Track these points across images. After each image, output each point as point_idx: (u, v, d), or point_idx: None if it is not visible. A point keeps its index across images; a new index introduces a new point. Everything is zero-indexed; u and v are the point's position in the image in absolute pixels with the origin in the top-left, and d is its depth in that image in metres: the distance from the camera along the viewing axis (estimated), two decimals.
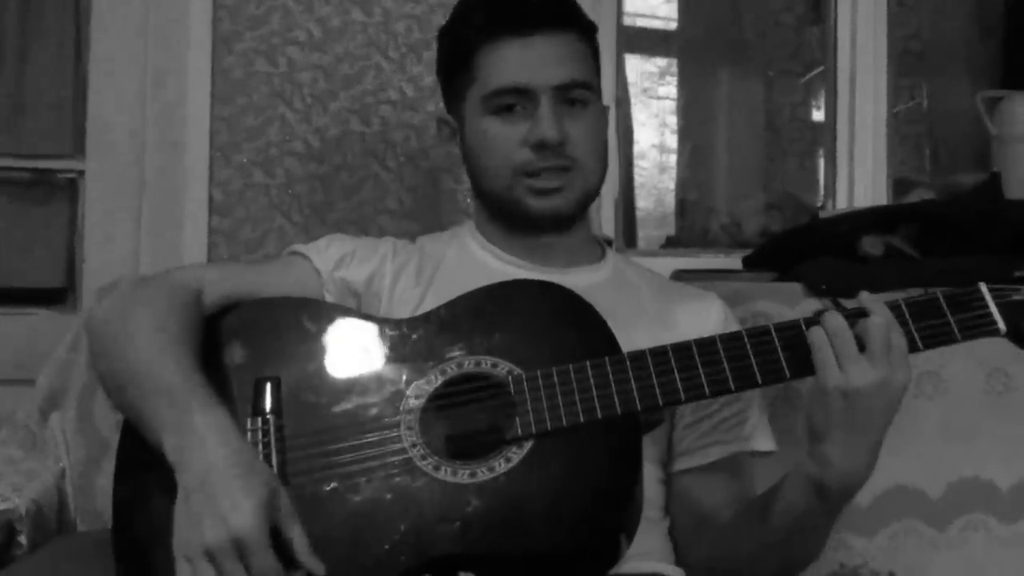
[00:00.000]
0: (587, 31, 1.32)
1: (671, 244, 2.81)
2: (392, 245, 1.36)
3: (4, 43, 2.16)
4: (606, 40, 2.21)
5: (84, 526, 1.50)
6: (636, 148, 3.60)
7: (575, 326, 1.15)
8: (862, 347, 1.00)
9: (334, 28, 2.00)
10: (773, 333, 1.07)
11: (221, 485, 0.98)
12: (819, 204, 2.56)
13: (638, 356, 1.09)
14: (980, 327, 1.04)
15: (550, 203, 1.27)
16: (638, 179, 3.61)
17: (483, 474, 1.05)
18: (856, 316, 1.03)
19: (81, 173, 2.09)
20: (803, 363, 1.05)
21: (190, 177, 1.97)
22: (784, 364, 1.06)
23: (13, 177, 2.18)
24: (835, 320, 1.02)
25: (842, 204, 2.31)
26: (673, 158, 3.67)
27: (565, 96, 1.25)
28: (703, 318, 1.30)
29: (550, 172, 1.26)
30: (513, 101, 1.25)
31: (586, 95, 1.28)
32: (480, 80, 1.27)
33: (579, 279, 1.26)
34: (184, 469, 1.01)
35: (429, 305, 1.23)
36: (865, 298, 1.04)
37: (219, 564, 0.96)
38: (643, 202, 3.75)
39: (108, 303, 1.20)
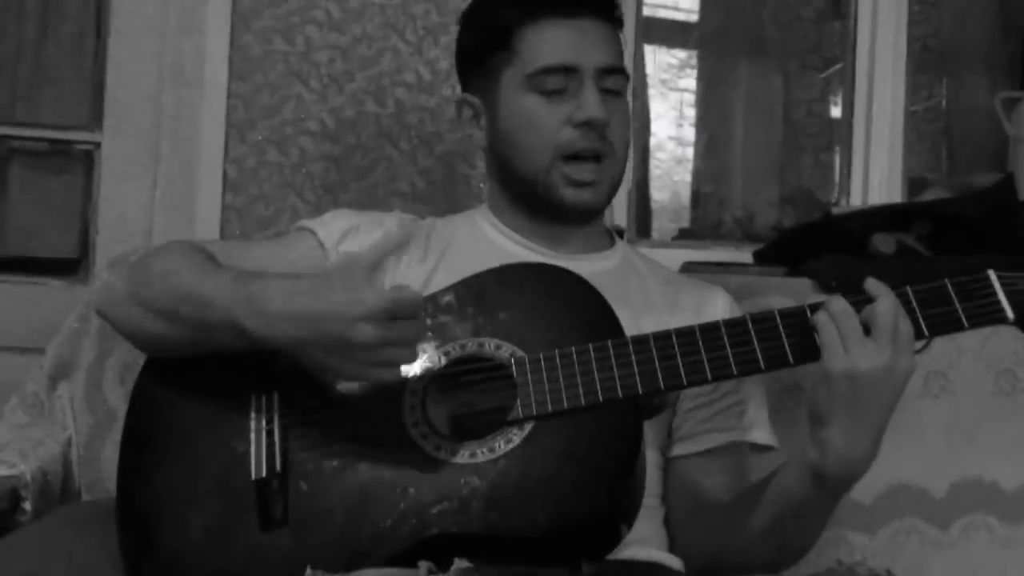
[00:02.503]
0: (620, 24, 1.34)
1: (684, 236, 2.81)
2: (398, 218, 1.36)
3: (26, 15, 2.17)
4: (626, 30, 2.21)
5: (88, 495, 1.51)
6: (654, 140, 3.59)
7: (580, 310, 1.15)
8: (867, 332, 1.00)
9: (352, 9, 2.00)
10: (778, 319, 1.08)
11: (335, 294, 1.01)
12: (834, 200, 2.55)
13: (641, 340, 1.09)
14: (988, 314, 1.04)
15: (584, 196, 1.28)
16: (655, 171, 3.60)
17: (483, 454, 1.06)
18: (862, 302, 1.03)
19: (97, 145, 2.10)
20: (808, 349, 1.05)
21: (205, 153, 1.98)
22: (788, 349, 1.06)
23: (30, 147, 2.20)
24: (839, 303, 1.02)
25: (856, 201, 2.31)
26: (690, 151, 3.66)
27: (605, 82, 1.27)
28: (709, 309, 1.30)
29: (588, 160, 1.26)
30: (559, 82, 1.26)
31: (622, 84, 1.30)
32: (522, 58, 1.27)
33: (589, 266, 1.27)
34: (289, 325, 1.04)
35: (437, 284, 1.23)
36: (871, 284, 1.03)
37: (379, 331, 0.99)
38: (659, 194, 3.74)
39: (123, 269, 1.22)
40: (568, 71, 1.25)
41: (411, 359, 1.06)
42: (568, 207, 1.29)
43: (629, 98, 1.37)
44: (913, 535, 1.53)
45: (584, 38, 1.26)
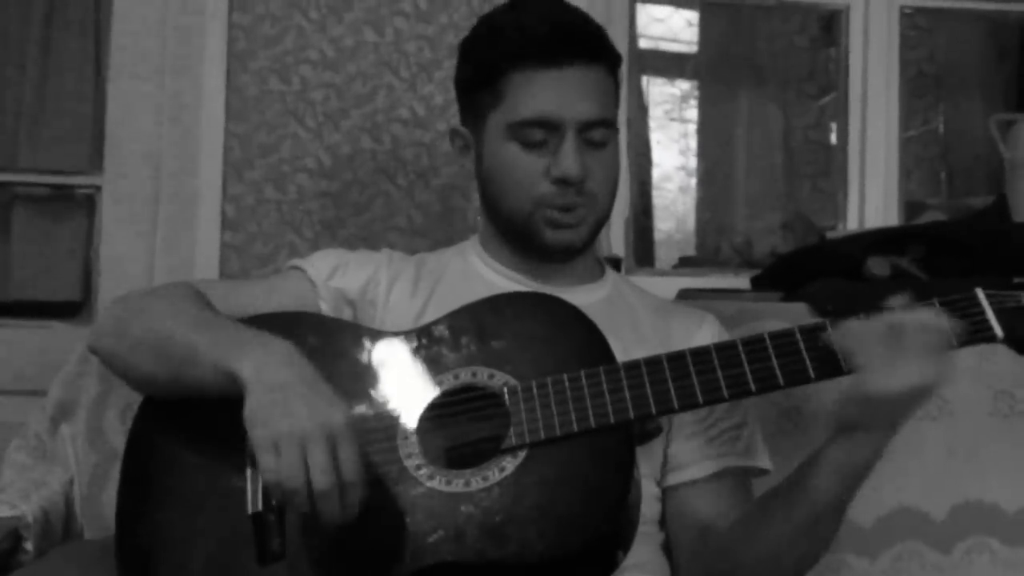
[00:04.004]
0: (615, 65, 1.31)
1: (684, 264, 2.82)
2: (388, 255, 1.38)
3: (26, 61, 2.21)
4: None
5: (91, 534, 1.51)
6: (659, 171, 3.61)
7: (571, 337, 1.16)
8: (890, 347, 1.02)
9: (347, 48, 2.03)
10: (768, 341, 1.09)
11: (314, 387, 1.03)
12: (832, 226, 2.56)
13: (632, 365, 1.10)
14: (976, 332, 1.04)
15: (565, 236, 1.28)
16: (660, 201, 3.62)
17: (477, 483, 1.06)
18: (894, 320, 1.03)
19: (98, 188, 2.12)
20: (799, 370, 1.07)
21: (203, 193, 2.00)
22: (778, 371, 1.07)
23: (32, 192, 2.22)
24: (883, 321, 1.03)
25: (853, 226, 2.32)
26: (695, 181, 3.68)
27: (588, 134, 1.25)
28: (699, 335, 1.30)
29: (566, 209, 1.27)
30: (539, 135, 1.24)
31: (608, 135, 1.28)
32: (506, 105, 1.26)
33: (578, 297, 1.27)
34: (269, 378, 1.04)
35: (429, 317, 1.24)
36: (898, 303, 1.05)
37: (310, 449, 0.99)
38: (664, 224, 3.75)
39: (119, 304, 1.23)
40: (549, 125, 1.24)
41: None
42: (551, 248, 1.30)
43: (624, 128, 1.37)
44: (915, 558, 1.52)
45: (569, 90, 1.23)
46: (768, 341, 1.09)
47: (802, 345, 1.08)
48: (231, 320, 1.16)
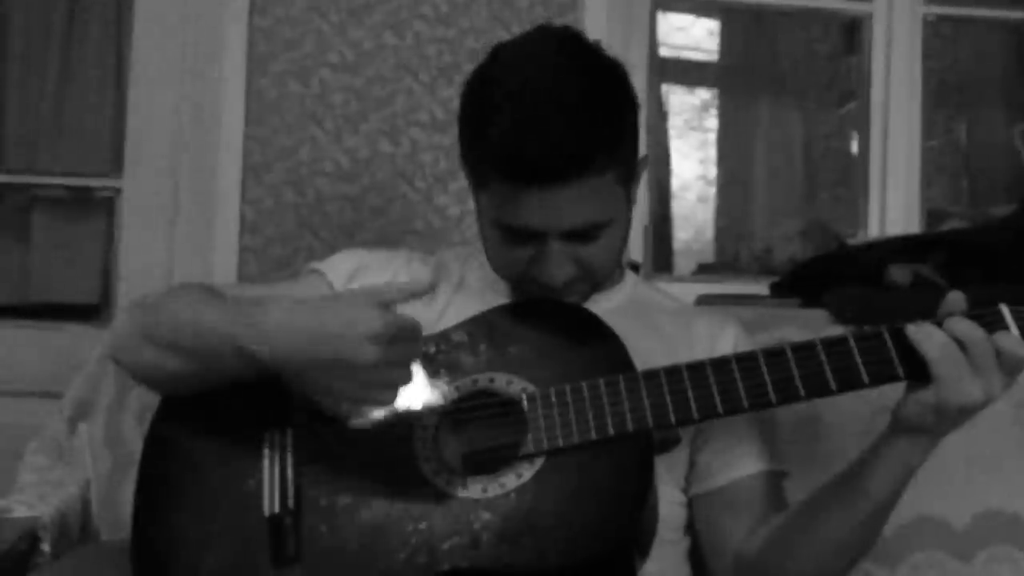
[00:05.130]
0: (612, 152, 1.15)
1: (703, 271, 2.81)
2: (407, 257, 1.37)
3: (47, 65, 2.22)
4: (639, 72, 2.24)
5: (107, 536, 1.51)
6: (679, 181, 3.61)
7: (590, 345, 1.16)
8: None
9: (366, 51, 2.04)
10: (789, 352, 1.07)
11: (337, 314, 1.00)
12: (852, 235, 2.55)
13: (652, 374, 1.09)
14: None
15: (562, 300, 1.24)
16: (679, 210, 3.62)
17: (495, 489, 1.06)
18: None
19: (118, 191, 2.14)
20: (820, 384, 1.06)
21: (223, 195, 2.01)
22: (799, 383, 1.06)
23: (52, 194, 2.24)
24: (975, 331, 1.01)
25: (874, 234, 2.30)
26: (714, 190, 3.67)
27: (578, 234, 1.18)
28: (721, 341, 1.29)
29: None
30: (523, 235, 1.18)
31: (599, 232, 1.19)
32: (492, 200, 1.19)
33: (597, 302, 1.27)
34: (287, 351, 1.03)
35: (449, 321, 1.24)
36: (956, 308, 1.04)
37: (381, 352, 0.98)
38: (683, 233, 3.75)
39: (137, 309, 1.23)
40: (533, 233, 1.17)
41: (409, 380, 1.05)
42: None
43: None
44: (935, 568, 1.51)
45: (553, 206, 1.13)
46: (789, 352, 1.08)
47: (823, 357, 1.07)
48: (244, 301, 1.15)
